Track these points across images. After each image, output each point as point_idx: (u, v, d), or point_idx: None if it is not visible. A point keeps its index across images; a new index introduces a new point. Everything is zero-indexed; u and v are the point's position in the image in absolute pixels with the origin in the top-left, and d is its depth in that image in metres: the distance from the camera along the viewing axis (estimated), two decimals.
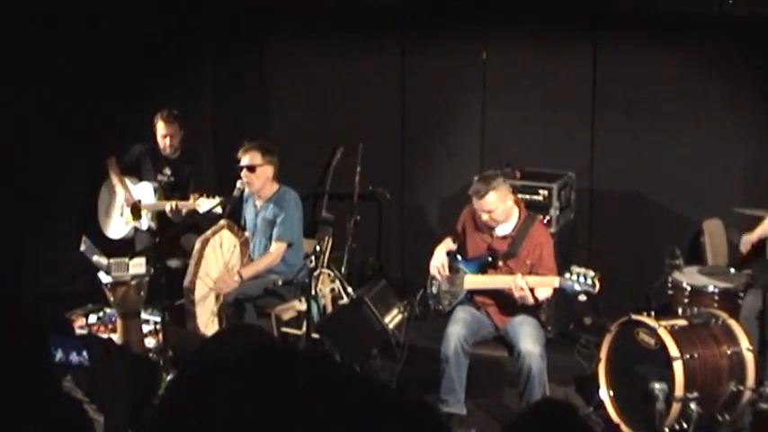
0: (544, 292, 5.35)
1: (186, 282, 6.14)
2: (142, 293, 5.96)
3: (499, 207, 5.42)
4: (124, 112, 7.51)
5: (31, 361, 2.13)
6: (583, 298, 5.24)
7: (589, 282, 5.11)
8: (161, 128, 7.00)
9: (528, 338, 5.32)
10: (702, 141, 7.06)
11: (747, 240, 6.25)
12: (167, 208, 6.72)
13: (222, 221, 6.39)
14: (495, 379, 6.08)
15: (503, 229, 5.56)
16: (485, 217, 5.45)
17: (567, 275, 5.18)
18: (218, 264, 6.29)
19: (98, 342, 5.02)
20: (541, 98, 7.58)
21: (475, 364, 5.57)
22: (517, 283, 5.23)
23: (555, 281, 5.27)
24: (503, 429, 2.62)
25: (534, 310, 5.48)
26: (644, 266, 6.85)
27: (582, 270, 5.15)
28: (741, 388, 5.16)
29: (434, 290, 5.83)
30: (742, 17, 6.48)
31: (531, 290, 5.25)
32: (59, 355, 3.15)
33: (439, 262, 5.76)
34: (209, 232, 6.30)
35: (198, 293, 6.14)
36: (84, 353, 3.20)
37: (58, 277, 7.13)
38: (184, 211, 6.64)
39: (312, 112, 8.46)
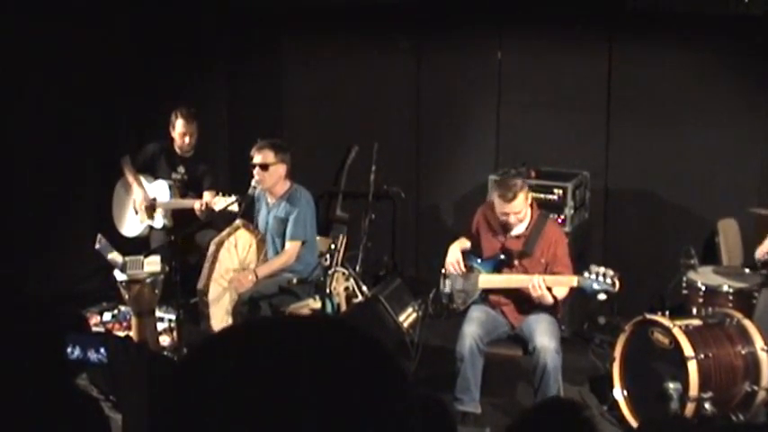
0: (561, 291, 5.34)
1: (200, 284, 6.16)
2: (157, 291, 5.98)
3: (524, 209, 5.42)
4: (139, 110, 7.54)
5: (45, 359, 2.14)
6: (602, 297, 5.22)
7: (609, 281, 5.11)
8: (180, 126, 6.98)
9: (543, 334, 5.31)
10: (718, 141, 7.03)
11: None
12: (197, 206, 6.69)
13: (237, 222, 6.40)
14: (511, 378, 6.07)
15: (516, 229, 5.55)
16: (507, 218, 5.44)
17: (586, 275, 5.17)
18: (233, 264, 6.31)
19: (116, 340, 5.05)
20: (556, 97, 7.57)
21: (490, 363, 5.57)
22: (534, 283, 5.23)
23: (573, 280, 5.26)
24: (512, 425, 2.60)
25: (550, 308, 5.47)
26: (658, 266, 6.84)
27: (601, 269, 5.15)
28: (755, 388, 5.15)
29: (448, 288, 5.80)
30: (758, 17, 6.45)
31: (549, 289, 5.25)
32: (77, 352, 3.16)
33: (454, 259, 5.73)
34: (224, 234, 6.30)
35: (212, 295, 6.16)
36: (103, 350, 3.22)
37: (73, 275, 7.16)
38: (217, 207, 6.49)
39: (327, 111, 8.47)
